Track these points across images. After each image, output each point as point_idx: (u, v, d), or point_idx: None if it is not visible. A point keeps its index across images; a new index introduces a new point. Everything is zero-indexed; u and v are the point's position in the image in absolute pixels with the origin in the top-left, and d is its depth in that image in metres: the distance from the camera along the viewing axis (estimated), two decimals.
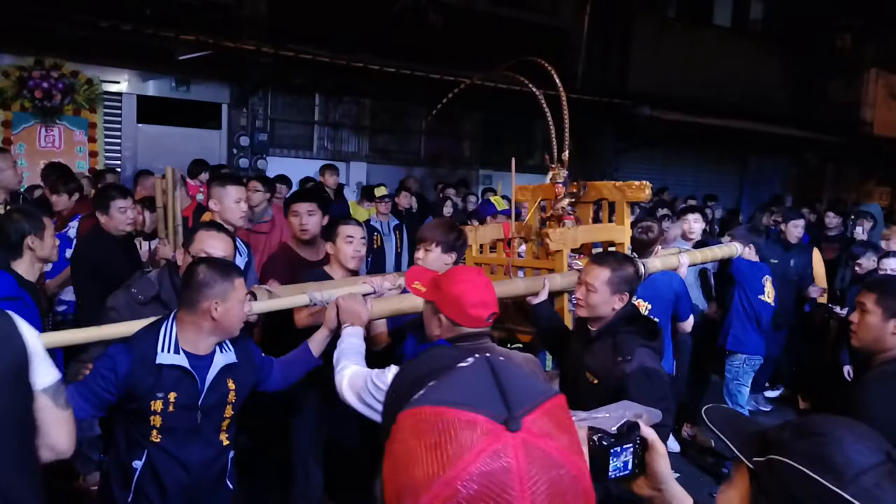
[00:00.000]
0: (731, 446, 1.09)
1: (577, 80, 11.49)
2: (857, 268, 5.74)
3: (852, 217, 8.25)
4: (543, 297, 3.27)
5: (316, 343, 2.82)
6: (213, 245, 2.92)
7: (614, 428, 1.25)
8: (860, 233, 7.51)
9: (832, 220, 8.02)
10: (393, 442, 0.79)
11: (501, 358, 0.86)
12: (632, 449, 1.26)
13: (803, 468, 0.97)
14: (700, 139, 12.62)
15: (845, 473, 0.95)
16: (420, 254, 3.27)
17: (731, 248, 4.66)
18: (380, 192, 7.67)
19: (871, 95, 15.37)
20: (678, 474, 4.64)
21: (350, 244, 3.46)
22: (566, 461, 0.74)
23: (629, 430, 1.26)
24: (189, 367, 2.44)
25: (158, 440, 2.44)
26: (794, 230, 6.38)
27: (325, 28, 9.15)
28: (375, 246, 7.09)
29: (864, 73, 15.31)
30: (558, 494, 0.72)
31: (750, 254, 5.25)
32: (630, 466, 1.26)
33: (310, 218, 3.97)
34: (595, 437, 1.23)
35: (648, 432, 1.28)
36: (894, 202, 15.24)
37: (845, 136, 14.57)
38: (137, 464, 2.45)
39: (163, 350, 2.43)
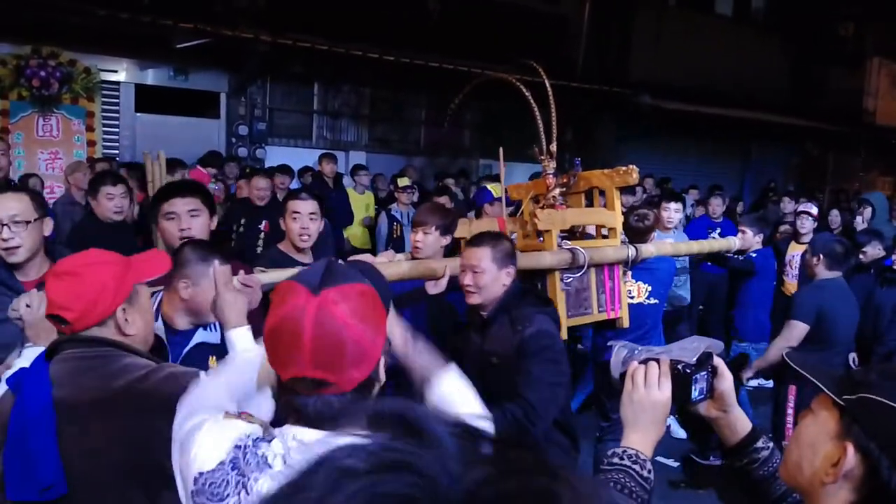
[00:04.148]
0: (820, 384, 1.20)
1: (577, 69, 11.41)
2: (861, 256, 5.68)
3: (856, 207, 8.21)
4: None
5: None
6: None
7: (694, 358, 1.42)
8: (860, 222, 7.46)
9: (787, 205, 7.93)
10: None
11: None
12: (707, 375, 1.44)
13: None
14: (702, 128, 12.56)
15: None
16: (419, 236, 3.31)
17: (729, 241, 4.65)
18: (403, 182, 7.60)
19: (873, 85, 15.28)
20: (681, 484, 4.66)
21: (295, 221, 3.44)
22: (343, 320, 1.25)
23: (706, 359, 1.45)
24: (163, 336, 2.41)
25: None
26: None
27: (323, 16, 9.10)
28: (395, 236, 7.07)
29: (866, 62, 15.22)
30: (330, 335, 1.24)
31: (758, 241, 5.32)
32: (706, 391, 1.45)
33: (192, 220, 2.86)
34: (679, 367, 1.41)
35: (718, 361, 1.47)
36: None
37: (848, 125, 14.49)
38: None
39: None
